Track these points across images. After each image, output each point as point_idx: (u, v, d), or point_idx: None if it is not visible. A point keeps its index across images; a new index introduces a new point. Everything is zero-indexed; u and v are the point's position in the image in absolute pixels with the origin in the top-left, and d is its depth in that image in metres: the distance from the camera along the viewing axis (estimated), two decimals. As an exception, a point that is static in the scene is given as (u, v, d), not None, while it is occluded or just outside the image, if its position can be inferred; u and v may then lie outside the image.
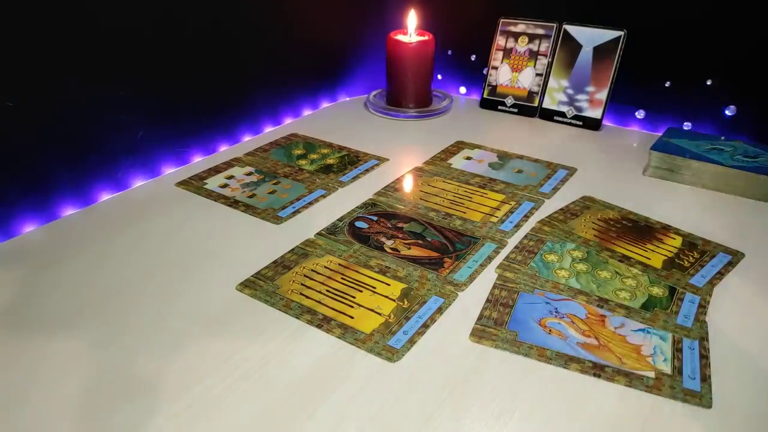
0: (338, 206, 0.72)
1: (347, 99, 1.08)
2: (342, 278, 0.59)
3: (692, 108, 0.90)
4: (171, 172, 0.81)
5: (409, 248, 0.64)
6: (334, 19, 1.02)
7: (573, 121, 0.95)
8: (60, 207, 0.71)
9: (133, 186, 0.78)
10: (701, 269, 0.61)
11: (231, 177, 0.79)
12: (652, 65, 0.91)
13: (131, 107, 0.75)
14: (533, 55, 0.98)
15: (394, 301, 0.56)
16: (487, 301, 0.56)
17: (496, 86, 1.01)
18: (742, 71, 0.84)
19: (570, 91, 0.95)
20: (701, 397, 0.46)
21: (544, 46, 0.97)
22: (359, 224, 0.68)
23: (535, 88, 0.98)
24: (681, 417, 0.44)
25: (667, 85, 0.90)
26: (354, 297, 0.57)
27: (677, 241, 0.65)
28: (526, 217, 0.70)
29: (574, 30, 0.94)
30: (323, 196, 0.75)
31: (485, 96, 1.02)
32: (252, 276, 0.59)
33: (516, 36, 0.99)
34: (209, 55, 0.83)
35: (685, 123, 0.91)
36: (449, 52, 1.07)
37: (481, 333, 0.52)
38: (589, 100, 0.93)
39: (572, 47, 0.94)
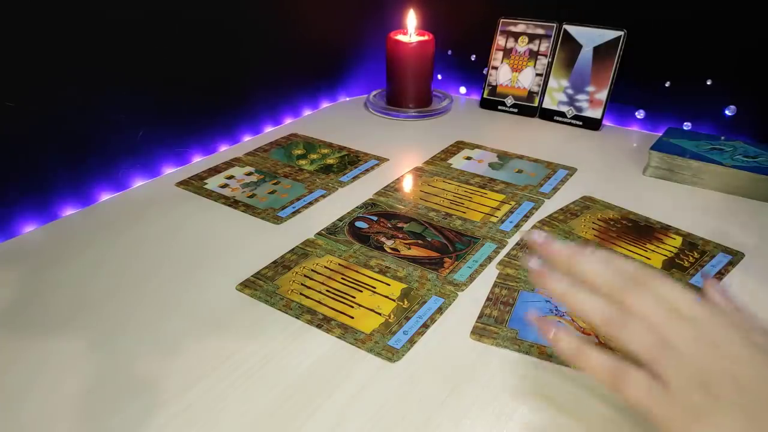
0: (338, 206, 0.72)
1: (347, 99, 1.08)
2: (342, 278, 0.59)
3: (692, 108, 0.90)
4: (171, 172, 0.81)
5: (409, 248, 0.64)
6: (334, 19, 1.02)
7: (573, 121, 0.95)
8: (60, 207, 0.71)
9: (133, 186, 0.78)
10: (701, 269, 0.61)
11: (231, 177, 0.79)
12: (652, 65, 0.91)
13: (131, 107, 0.75)
14: (533, 55, 0.98)
15: (394, 301, 0.56)
16: (488, 299, 0.56)
17: (496, 86, 1.01)
18: (742, 71, 0.84)
19: (570, 91, 0.95)
20: (701, 397, 0.46)
21: (544, 46, 0.97)
22: (359, 224, 0.68)
23: (535, 88, 0.98)
24: (681, 417, 0.44)
25: (667, 85, 0.90)
26: (354, 297, 0.57)
27: (677, 241, 0.65)
28: (526, 217, 0.70)
29: (574, 30, 0.94)
30: (323, 196, 0.75)
31: (485, 96, 1.02)
32: (252, 276, 0.59)
33: (516, 36, 0.99)
34: (209, 55, 0.83)
35: (685, 123, 0.91)
36: (449, 52, 1.07)
37: (481, 331, 0.52)
38: (589, 100, 0.93)
39: (572, 47, 0.94)
